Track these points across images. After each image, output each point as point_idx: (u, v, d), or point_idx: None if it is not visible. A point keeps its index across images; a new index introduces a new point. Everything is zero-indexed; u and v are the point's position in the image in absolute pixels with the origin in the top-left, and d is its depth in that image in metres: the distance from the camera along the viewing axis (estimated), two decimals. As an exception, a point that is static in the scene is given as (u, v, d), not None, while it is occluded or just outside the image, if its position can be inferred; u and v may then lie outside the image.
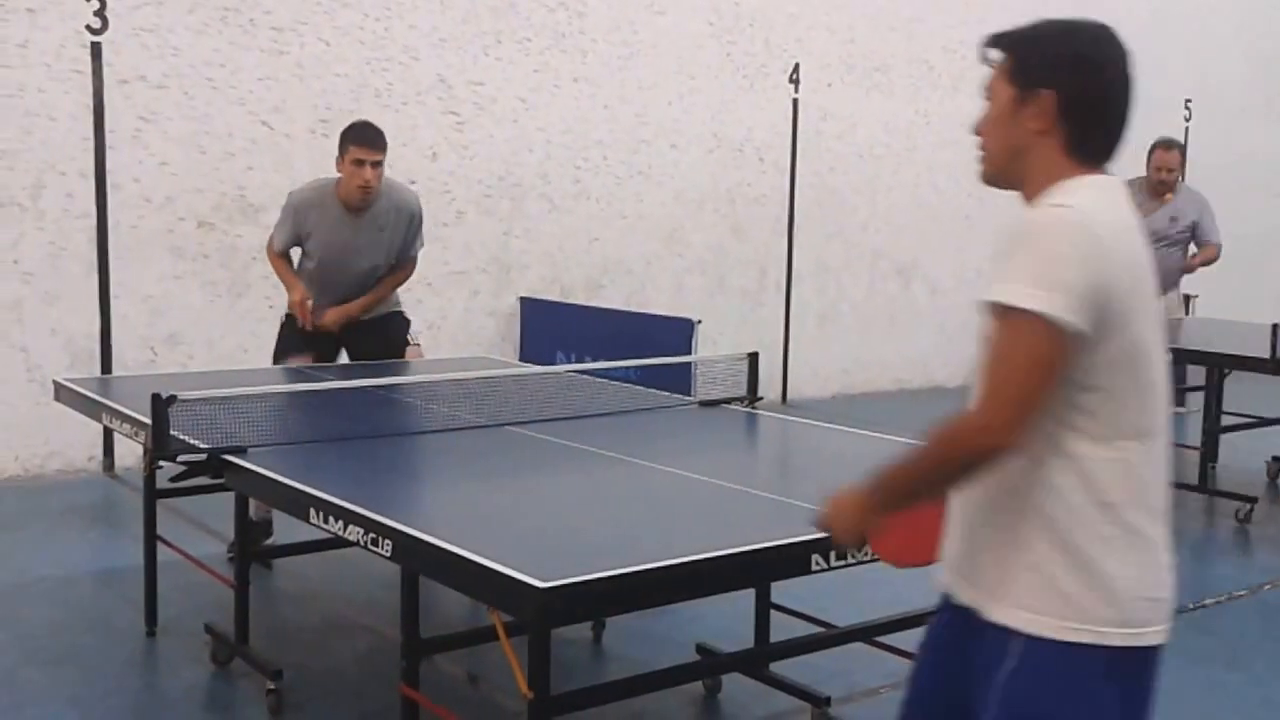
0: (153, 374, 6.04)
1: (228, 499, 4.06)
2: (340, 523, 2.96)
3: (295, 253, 5.55)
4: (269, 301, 7.30)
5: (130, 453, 6.62)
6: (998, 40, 2.07)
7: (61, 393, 4.74)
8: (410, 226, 5.47)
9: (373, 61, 7.58)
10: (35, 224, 6.65)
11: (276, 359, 5.48)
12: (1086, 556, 1.93)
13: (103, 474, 6.92)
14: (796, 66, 9.37)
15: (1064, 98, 1.98)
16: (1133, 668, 1.96)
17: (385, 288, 5.55)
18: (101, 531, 6.05)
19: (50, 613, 4.75)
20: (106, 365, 6.84)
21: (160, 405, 3.58)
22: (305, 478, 3.25)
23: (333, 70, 7.44)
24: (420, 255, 5.72)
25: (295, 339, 5.43)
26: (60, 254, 6.73)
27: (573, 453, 3.75)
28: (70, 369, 6.59)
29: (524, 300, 8.17)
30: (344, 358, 5.56)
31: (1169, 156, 7.53)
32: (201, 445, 3.58)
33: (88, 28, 6.68)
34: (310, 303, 5.33)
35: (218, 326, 7.18)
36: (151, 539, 4.52)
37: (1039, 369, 1.84)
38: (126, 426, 4.07)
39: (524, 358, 7.81)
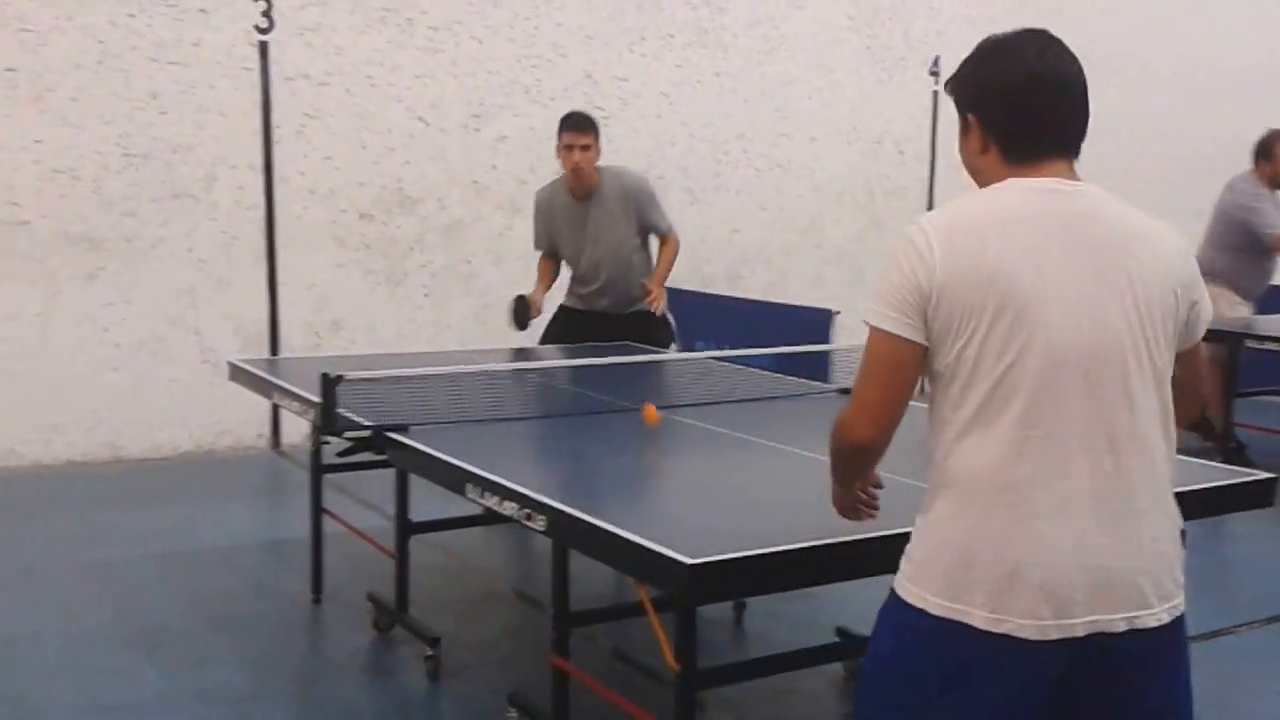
0: (318, 356, 6.24)
1: (387, 475, 4.24)
2: (496, 498, 3.02)
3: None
4: (424, 290, 7.58)
5: (296, 431, 6.92)
6: (948, 84, 2.23)
7: (236, 373, 4.92)
8: (638, 200, 5.68)
9: (522, 59, 7.77)
10: (208, 215, 6.99)
11: None
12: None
13: (270, 451, 7.22)
14: (937, 59, 9.33)
15: (982, 118, 2.11)
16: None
17: (661, 266, 5.84)
18: (270, 504, 6.33)
19: (224, 580, 4.98)
20: (274, 349, 7.14)
21: (329, 384, 3.69)
22: (463, 455, 3.30)
23: (485, 67, 7.66)
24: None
25: (555, 340, 5.83)
26: (232, 243, 7.06)
27: (715, 436, 3.76)
28: (241, 352, 6.83)
29: (666, 290, 8.24)
30: None
31: None
32: (366, 423, 3.68)
33: (255, 27, 6.99)
34: (536, 304, 5.73)
35: (378, 313, 7.45)
36: (317, 512, 4.70)
37: (883, 371, 2.05)
38: (296, 405, 4.19)
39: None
